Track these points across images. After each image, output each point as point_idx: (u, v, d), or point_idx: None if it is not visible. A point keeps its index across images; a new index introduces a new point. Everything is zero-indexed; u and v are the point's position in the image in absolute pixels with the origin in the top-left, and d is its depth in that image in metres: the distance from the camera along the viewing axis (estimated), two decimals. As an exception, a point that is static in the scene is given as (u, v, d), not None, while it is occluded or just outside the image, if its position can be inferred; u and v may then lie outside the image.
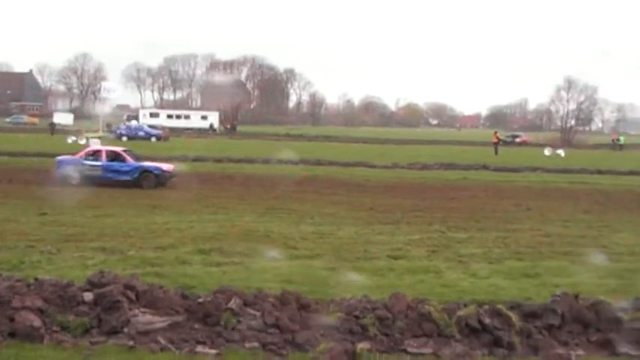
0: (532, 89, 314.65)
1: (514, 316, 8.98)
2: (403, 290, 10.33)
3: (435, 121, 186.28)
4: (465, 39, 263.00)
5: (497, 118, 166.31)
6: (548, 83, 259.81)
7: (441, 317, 8.93)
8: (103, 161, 27.26)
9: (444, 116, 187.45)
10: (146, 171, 27.08)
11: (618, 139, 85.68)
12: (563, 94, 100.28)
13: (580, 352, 8.66)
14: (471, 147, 72.73)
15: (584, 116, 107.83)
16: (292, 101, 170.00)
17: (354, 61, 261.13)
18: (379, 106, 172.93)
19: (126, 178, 26.76)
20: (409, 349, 8.41)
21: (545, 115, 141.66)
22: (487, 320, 8.83)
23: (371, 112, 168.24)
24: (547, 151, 61.16)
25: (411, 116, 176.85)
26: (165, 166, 28.28)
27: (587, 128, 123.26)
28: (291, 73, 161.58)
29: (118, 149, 28.90)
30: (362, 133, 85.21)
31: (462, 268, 13.57)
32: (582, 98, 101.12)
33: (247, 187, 28.16)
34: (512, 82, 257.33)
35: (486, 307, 9.27)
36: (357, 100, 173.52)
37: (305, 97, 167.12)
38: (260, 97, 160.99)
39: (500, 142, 60.97)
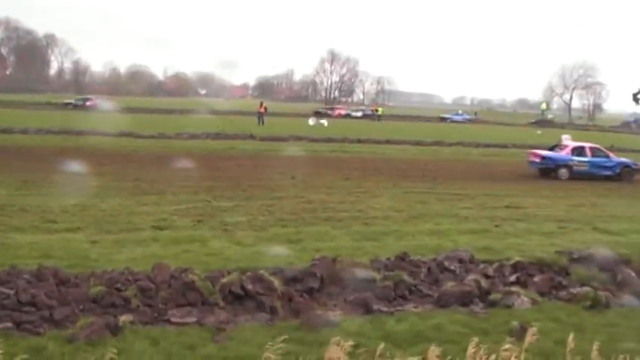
0: (298, 61, 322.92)
1: (276, 281, 9.23)
2: (168, 260, 10.27)
3: (203, 91, 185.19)
4: (227, 10, 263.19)
5: (264, 88, 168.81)
6: (313, 55, 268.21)
7: (205, 285, 8.97)
8: (589, 157, 28.94)
9: (212, 86, 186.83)
10: (627, 166, 29.41)
11: (377, 110, 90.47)
12: (327, 66, 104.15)
13: (338, 312, 9.08)
14: (239, 116, 73.25)
15: (346, 88, 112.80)
16: (54, 68, 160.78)
17: (120, 29, 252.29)
18: (147, 75, 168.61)
19: (608, 173, 28.86)
20: (173, 319, 8.36)
21: (311, 86, 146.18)
22: (250, 286, 9.00)
23: (138, 81, 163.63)
24: (311, 121, 63.01)
25: (180, 86, 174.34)
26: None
27: (349, 99, 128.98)
28: (51, 39, 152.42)
29: (598, 146, 30.72)
30: (129, 102, 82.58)
31: (227, 236, 13.71)
32: (344, 71, 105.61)
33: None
34: (280, 52, 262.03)
35: (249, 273, 9.46)
36: (123, 69, 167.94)
37: (68, 65, 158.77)
38: (17, 63, 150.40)
39: (266, 113, 61.60)
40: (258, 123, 56.46)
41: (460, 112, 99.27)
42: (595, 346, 6.49)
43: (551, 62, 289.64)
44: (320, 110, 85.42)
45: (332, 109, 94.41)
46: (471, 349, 6.12)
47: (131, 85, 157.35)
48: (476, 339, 6.32)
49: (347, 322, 8.65)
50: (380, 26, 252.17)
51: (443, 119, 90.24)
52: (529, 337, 6.42)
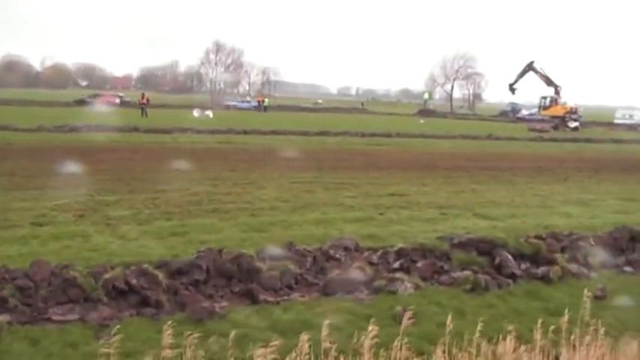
0: (183, 52, 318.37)
1: (161, 275, 9.10)
2: (48, 257, 9.91)
3: (84, 82, 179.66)
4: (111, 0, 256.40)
5: (148, 79, 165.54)
6: (198, 46, 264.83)
7: (87, 282, 8.73)
8: None
9: (93, 77, 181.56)
10: None
11: (263, 101, 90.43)
12: (212, 57, 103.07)
13: (224, 303, 9.04)
14: (124, 108, 71.52)
15: (232, 79, 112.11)
16: None
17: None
18: (23, 65, 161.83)
19: None
20: (54, 318, 8.10)
21: (196, 77, 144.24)
22: (134, 281, 8.82)
23: (14, 71, 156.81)
24: (196, 113, 62.32)
25: (59, 77, 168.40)
26: None
27: (235, 90, 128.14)
28: None
29: None
30: (3, 94, 79.21)
31: (110, 230, 13.37)
32: (229, 61, 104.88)
33: None
34: (163, 44, 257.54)
35: (133, 267, 9.27)
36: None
37: None
38: None
39: (148, 104, 60.15)
40: (142, 115, 55.36)
41: (248, 99, 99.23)
42: (478, 327, 6.76)
43: (434, 53, 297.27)
44: (84, 99, 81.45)
45: (96, 95, 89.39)
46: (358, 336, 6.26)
47: (6, 77, 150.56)
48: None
49: (233, 313, 8.63)
50: (266, 17, 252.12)
51: (227, 107, 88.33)
52: (405, 321, 6.58)
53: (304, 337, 6.02)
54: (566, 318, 6.78)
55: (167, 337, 5.88)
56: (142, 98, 59.88)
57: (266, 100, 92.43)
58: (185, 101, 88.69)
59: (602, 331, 7.13)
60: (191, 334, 6.15)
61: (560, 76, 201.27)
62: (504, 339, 6.67)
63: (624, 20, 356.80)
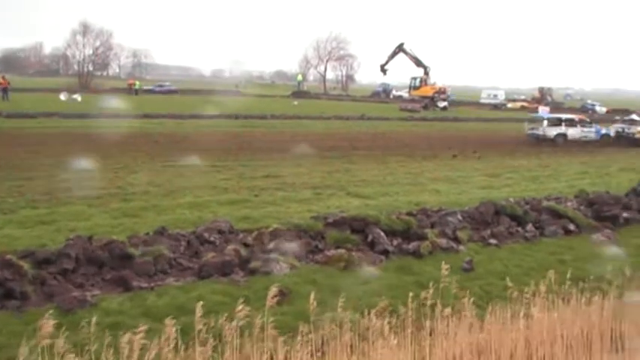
0: (48, 33, 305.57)
1: (26, 265, 8.73)
2: None
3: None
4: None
5: (10, 62, 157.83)
6: (64, 27, 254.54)
7: (-56, 276, 8.27)
8: None
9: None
10: None
11: (134, 84, 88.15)
12: (79, 38, 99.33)
13: (96, 291, 8.79)
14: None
15: (100, 61, 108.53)
16: None
17: None
18: None
19: None
20: None
21: (62, 59, 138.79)
22: (-4, 273, 8.43)
23: None
24: (63, 96, 59.94)
25: None
26: None
27: (104, 73, 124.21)
28: None
29: None
30: None
31: (-29, 221, 12.73)
32: (98, 43, 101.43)
33: None
34: (27, 25, 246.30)
35: (-5, 259, 8.85)
36: None
37: None
38: None
39: (9, 86, 56.93)
40: (3, 98, 52.74)
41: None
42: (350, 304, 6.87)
43: (307, 35, 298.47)
44: None
45: None
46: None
47: None
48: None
49: (106, 301, 8.41)
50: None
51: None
52: (269, 300, 6.61)
53: (170, 321, 5.94)
54: (431, 291, 6.99)
55: (40, 328, 5.63)
56: (2, 80, 56.74)
57: (137, 82, 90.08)
58: (51, 84, 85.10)
59: (471, 301, 7.40)
60: (60, 325, 5.93)
61: (429, 57, 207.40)
62: (376, 314, 6.81)
63: (490, 5, 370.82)
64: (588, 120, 40.65)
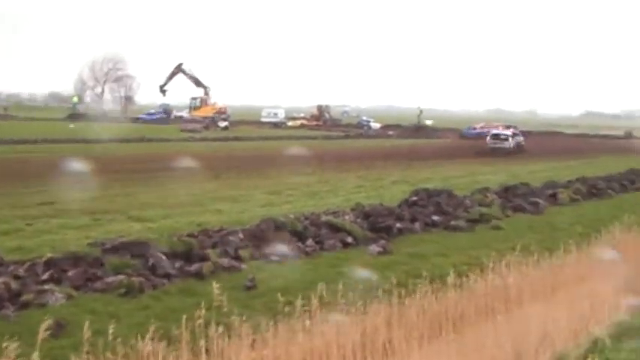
0: None
1: None
2: None
3: None
4: None
5: None
6: None
7: None
8: None
9: None
10: None
11: None
12: None
13: None
14: None
15: None
16: None
17: None
18: None
19: None
20: None
21: None
22: None
23: None
24: None
25: None
26: None
27: None
28: None
29: None
30: None
31: None
32: None
33: None
34: None
35: None
36: None
37: None
38: None
39: None
40: None
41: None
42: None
43: (82, 55, 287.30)
44: None
45: None
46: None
47: None
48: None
49: None
50: None
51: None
52: (42, 333, 6.37)
53: None
54: (203, 311, 7.05)
55: None
56: None
57: None
58: None
59: (251, 318, 7.54)
60: None
61: (209, 77, 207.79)
62: (150, 338, 6.74)
63: (270, 25, 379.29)
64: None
